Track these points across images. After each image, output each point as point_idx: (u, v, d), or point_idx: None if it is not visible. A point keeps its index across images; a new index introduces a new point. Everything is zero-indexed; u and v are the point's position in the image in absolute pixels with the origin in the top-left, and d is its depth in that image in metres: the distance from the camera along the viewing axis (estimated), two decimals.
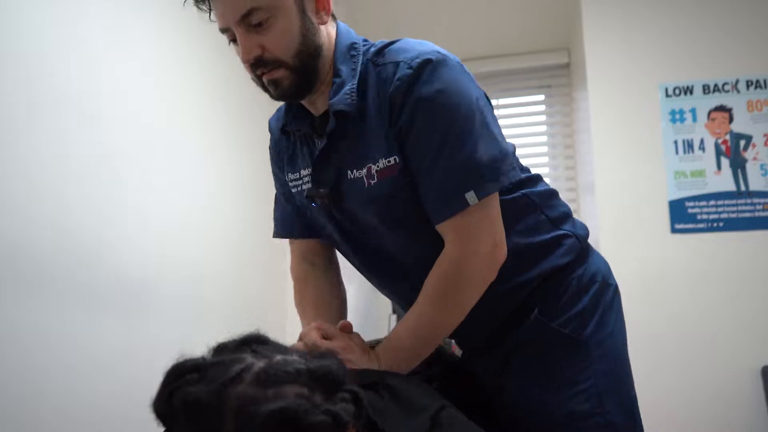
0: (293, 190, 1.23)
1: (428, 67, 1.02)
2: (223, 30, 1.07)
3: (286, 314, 2.74)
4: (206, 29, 2.24)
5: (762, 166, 2.59)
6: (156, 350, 1.74)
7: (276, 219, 1.35)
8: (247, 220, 2.51)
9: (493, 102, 3.35)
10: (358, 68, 1.08)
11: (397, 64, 1.04)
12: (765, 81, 2.66)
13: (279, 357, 0.65)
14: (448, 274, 1.03)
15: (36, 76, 1.49)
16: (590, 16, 2.83)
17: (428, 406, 0.83)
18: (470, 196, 1.00)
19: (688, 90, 2.71)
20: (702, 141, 2.67)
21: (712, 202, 2.60)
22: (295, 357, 0.66)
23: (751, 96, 2.66)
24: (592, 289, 1.15)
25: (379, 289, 1.29)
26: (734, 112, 2.66)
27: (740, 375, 2.41)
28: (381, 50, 1.09)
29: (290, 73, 1.04)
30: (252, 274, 2.52)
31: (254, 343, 0.70)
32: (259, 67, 1.04)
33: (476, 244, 1.02)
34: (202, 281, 2.15)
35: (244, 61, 1.04)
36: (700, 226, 2.59)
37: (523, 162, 1.21)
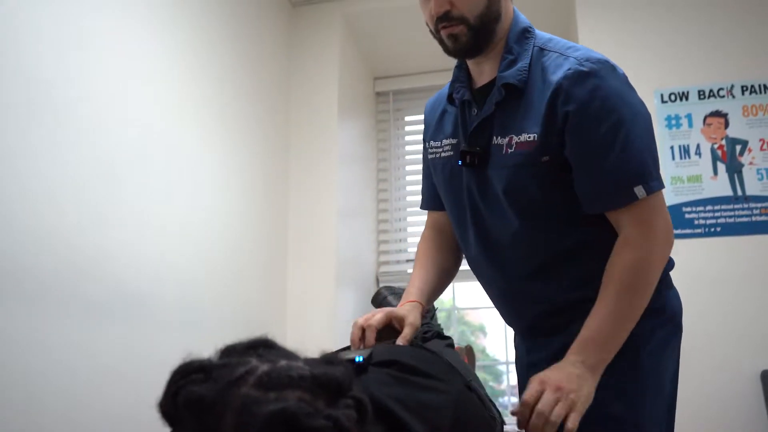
0: (429, 156, 1.40)
1: (604, 68, 1.15)
2: None
3: (285, 320, 2.74)
4: (203, 31, 2.26)
5: (758, 171, 2.60)
6: (155, 358, 1.73)
7: (422, 192, 1.53)
8: (247, 225, 2.51)
9: None
10: (531, 50, 1.22)
11: (565, 56, 1.17)
12: (760, 86, 2.68)
13: (284, 362, 0.66)
14: (637, 257, 1.11)
15: (32, 80, 1.49)
16: (584, 23, 2.84)
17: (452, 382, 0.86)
18: (639, 190, 1.12)
19: (684, 96, 2.72)
20: (698, 146, 2.67)
21: (709, 207, 2.61)
22: (299, 363, 0.67)
23: (747, 101, 2.67)
24: (668, 326, 1.22)
25: (477, 277, 1.38)
26: (730, 118, 2.67)
27: (739, 380, 2.40)
28: (548, 39, 1.24)
29: (468, 31, 1.20)
30: (251, 280, 2.52)
31: (261, 347, 0.70)
32: (444, 21, 1.20)
33: (655, 229, 1.13)
34: (202, 288, 2.15)
35: (434, 13, 1.20)
36: (698, 231, 2.60)
37: None
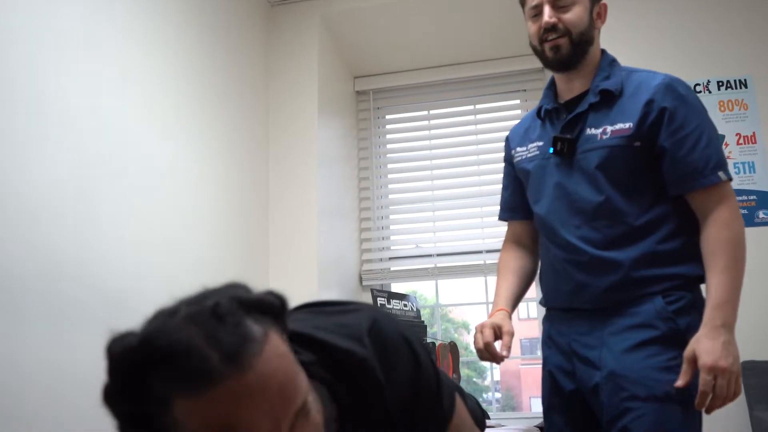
0: (516, 160, 1.64)
1: (685, 84, 1.47)
2: (534, 7, 1.50)
3: None
4: (180, 31, 2.24)
5: (735, 165, 2.64)
6: None
7: (501, 204, 1.77)
8: (227, 227, 2.49)
9: (470, 107, 3.38)
10: (620, 72, 1.52)
11: (655, 74, 1.47)
12: (735, 81, 2.71)
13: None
14: (735, 232, 1.36)
15: (3, 83, 1.47)
16: None
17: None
18: (722, 174, 1.39)
19: None
20: None
21: None
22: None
23: (722, 96, 2.71)
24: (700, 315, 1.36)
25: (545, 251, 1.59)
26: None
27: None
28: (633, 68, 1.54)
29: (569, 44, 1.47)
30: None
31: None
32: (551, 32, 1.47)
33: (735, 205, 1.40)
34: (183, 288, 2.12)
35: (545, 23, 1.47)
36: None
37: None
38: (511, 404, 14.97)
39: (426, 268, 3.24)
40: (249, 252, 2.66)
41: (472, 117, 3.37)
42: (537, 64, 1.60)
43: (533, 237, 1.69)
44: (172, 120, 2.18)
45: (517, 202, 1.70)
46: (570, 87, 1.55)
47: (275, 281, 2.77)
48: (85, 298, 1.64)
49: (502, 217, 1.78)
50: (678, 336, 1.34)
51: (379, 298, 2.98)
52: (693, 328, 1.33)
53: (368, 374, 0.86)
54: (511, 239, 1.74)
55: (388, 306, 2.98)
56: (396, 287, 3.35)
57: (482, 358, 1.53)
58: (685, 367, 1.29)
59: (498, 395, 6.95)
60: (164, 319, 0.69)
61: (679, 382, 1.28)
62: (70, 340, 1.56)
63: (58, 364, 1.52)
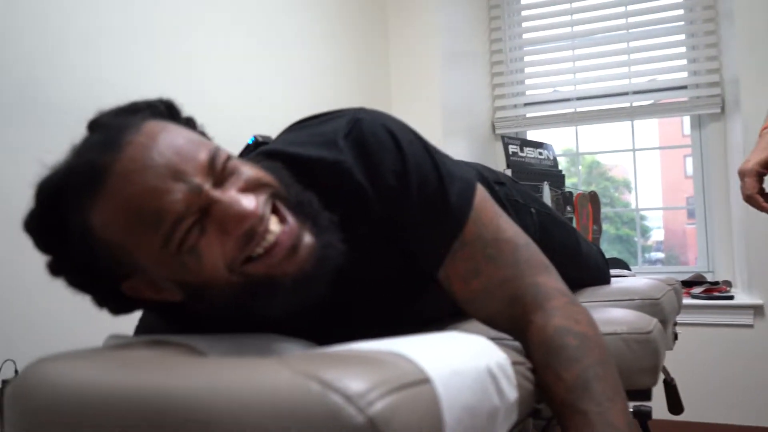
0: None
1: None
2: None
3: None
4: None
5: None
6: None
7: None
8: (348, 77, 2.41)
9: None
10: None
11: None
12: None
13: None
14: None
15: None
16: None
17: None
18: None
19: None
20: None
21: None
22: None
23: None
24: None
25: None
26: None
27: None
28: None
29: None
30: None
31: None
32: None
33: None
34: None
35: None
36: None
37: None
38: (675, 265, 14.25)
39: (564, 114, 2.98)
40: (370, 100, 2.58)
41: None
42: None
43: None
44: None
45: None
46: None
47: None
48: None
49: None
50: None
51: (510, 146, 2.81)
52: None
53: (345, 178, 0.74)
54: None
55: (521, 154, 2.81)
56: (532, 135, 3.14)
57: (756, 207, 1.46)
58: None
59: (660, 255, 6.58)
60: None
61: None
62: None
63: None
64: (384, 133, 0.77)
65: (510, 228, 0.80)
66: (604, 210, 3.08)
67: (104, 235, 0.63)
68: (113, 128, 0.64)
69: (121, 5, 1.50)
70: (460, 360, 0.61)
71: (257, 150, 0.82)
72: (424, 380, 0.53)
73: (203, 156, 0.64)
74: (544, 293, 0.76)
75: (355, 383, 0.47)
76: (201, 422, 0.48)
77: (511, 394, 0.67)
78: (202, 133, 0.75)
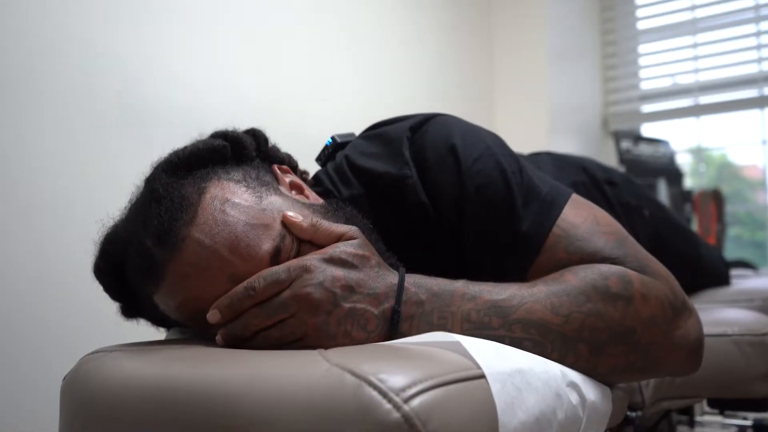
0: None
1: None
2: None
3: None
4: None
5: None
6: None
7: None
8: (448, 72, 2.36)
9: None
10: None
11: None
12: None
13: None
14: None
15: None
16: None
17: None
18: None
19: None
20: None
21: None
22: None
23: None
24: None
25: None
26: None
27: None
28: None
29: None
30: None
31: None
32: None
33: None
34: None
35: None
36: None
37: None
38: None
39: (684, 108, 2.78)
40: (471, 98, 2.53)
41: None
42: None
43: None
44: None
45: None
46: None
47: (501, 128, 2.62)
48: None
49: None
50: None
51: (623, 142, 2.66)
52: None
53: (409, 194, 0.72)
54: None
55: (635, 151, 2.65)
56: (649, 131, 2.94)
57: None
58: None
59: None
60: (120, 217, 0.69)
61: None
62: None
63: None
64: (445, 150, 0.73)
65: (612, 223, 0.73)
66: (736, 212, 2.84)
67: (169, 313, 0.65)
68: (166, 210, 0.62)
69: (210, 5, 1.54)
70: (528, 359, 0.56)
71: (333, 161, 0.82)
72: (477, 376, 0.48)
73: (266, 248, 0.61)
74: (652, 270, 0.67)
75: (394, 377, 0.44)
76: (237, 412, 0.46)
77: (600, 401, 0.60)
78: (284, 161, 0.77)
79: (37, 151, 1.20)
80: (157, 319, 0.71)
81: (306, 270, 0.59)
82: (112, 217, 0.69)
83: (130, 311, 0.70)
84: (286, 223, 0.63)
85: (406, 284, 0.62)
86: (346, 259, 0.61)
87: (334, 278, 0.59)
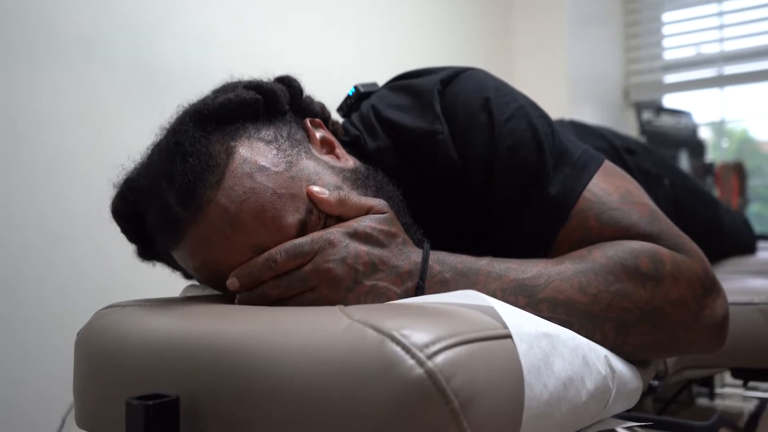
0: None
1: None
2: None
3: None
4: None
5: None
6: None
7: None
8: (467, 39, 2.32)
9: None
10: None
11: None
12: None
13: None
14: None
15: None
16: None
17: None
18: None
19: None
20: None
21: None
22: None
23: None
24: None
25: None
26: None
27: None
28: None
29: None
30: None
31: None
32: None
33: None
34: None
35: None
36: None
37: None
38: None
39: (708, 78, 2.71)
40: (490, 67, 2.48)
41: None
42: None
43: None
44: None
45: None
46: None
47: None
48: None
49: None
50: None
51: (644, 113, 2.60)
52: None
53: (439, 150, 0.69)
54: None
55: (656, 122, 2.60)
56: (672, 102, 2.88)
57: None
58: None
59: None
60: (141, 162, 0.66)
61: None
62: None
63: None
64: (478, 106, 0.70)
65: (644, 195, 0.70)
66: (756, 186, 2.79)
67: (187, 270, 0.65)
68: (194, 171, 0.59)
69: None
70: (555, 326, 0.54)
71: (357, 111, 0.79)
72: (503, 336, 0.47)
73: (292, 221, 0.59)
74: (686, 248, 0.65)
75: (417, 333, 0.42)
76: (257, 365, 0.45)
77: (629, 377, 0.59)
78: (317, 113, 0.74)
79: (50, 110, 1.19)
80: (174, 266, 0.69)
81: (330, 243, 0.57)
82: (133, 160, 0.66)
83: (147, 254, 0.68)
84: (313, 200, 0.60)
85: (430, 262, 0.60)
86: (372, 234, 0.59)
87: (358, 254, 0.57)
